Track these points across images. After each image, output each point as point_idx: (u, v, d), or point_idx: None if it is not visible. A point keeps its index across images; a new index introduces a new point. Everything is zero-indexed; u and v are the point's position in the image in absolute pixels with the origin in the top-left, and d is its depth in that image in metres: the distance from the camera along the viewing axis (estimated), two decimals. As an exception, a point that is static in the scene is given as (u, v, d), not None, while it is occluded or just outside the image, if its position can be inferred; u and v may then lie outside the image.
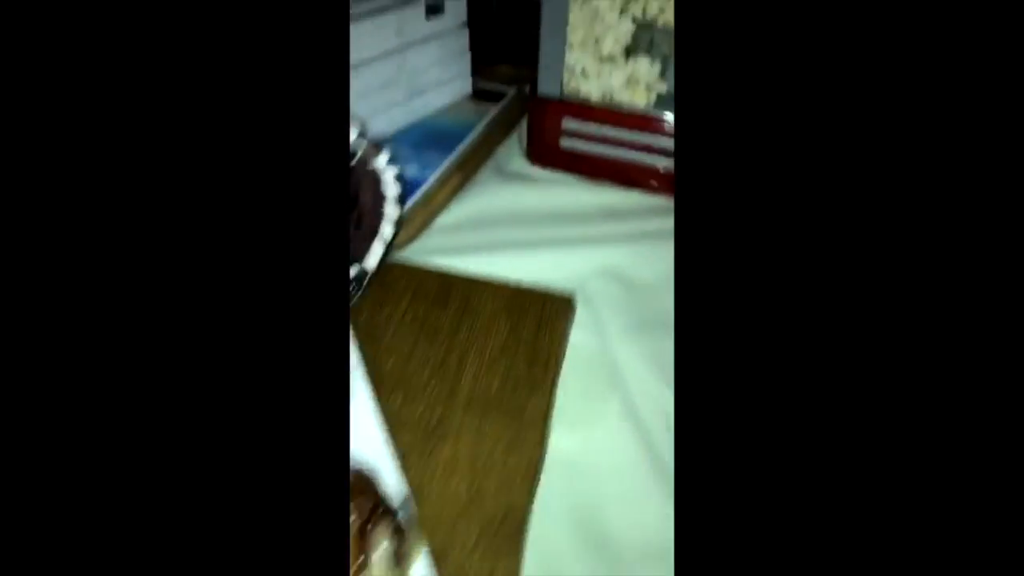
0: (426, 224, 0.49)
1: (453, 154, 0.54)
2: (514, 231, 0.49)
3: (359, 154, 0.34)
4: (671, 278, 0.45)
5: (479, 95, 0.64)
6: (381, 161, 0.35)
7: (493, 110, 0.60)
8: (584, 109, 0.51)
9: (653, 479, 0.33)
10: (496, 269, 0.44)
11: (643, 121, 0.49)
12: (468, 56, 0.61)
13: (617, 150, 0.51)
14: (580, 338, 0.40)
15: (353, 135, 0.34)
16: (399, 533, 0.25)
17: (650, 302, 0.43)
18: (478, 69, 0.63)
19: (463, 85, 0.62)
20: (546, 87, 0.51)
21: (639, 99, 0.49)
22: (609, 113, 0.50)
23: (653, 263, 0.46)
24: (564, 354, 0.38)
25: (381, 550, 0.24)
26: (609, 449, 0.35)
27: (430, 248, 0.46)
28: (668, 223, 0.49)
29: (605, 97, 0.50)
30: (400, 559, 0.24)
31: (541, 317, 0.39)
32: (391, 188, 0.36)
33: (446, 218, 0.50)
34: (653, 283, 0.44)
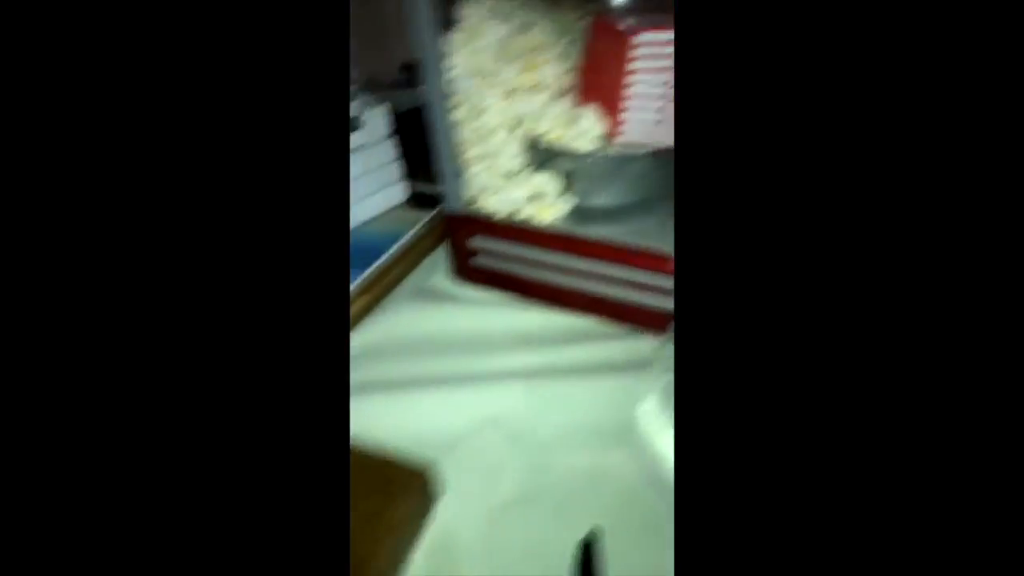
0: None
1: (360, 274, 0.51)
2: (412, 364, 0.44)
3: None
4: (574, 430, 0.39)
5: (418, 200, 0.61)
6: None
7: (419, 223, 0.57)
8: (492, 226, 0.46)
9: None
10: (381, 414, 0.39)
11: (552, 239, 0.44)
12: (396, 166, 0.59)
13: (531, 269, 0.46)
14: (443, 514, 0.34)
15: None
16: None
17: (540, 460, 0.37)
18: (419, 172, 0.60)
19: (392, 195, 0.60)
20: (450, 204, 0.47)
21: (545, 215, 0.44)
22: (516, 231, 0.45)
23: (555, 408, 0.40)
24: (412, 539, 0.32)
25: None
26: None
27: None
28: (585, 351, 0.43)
29: (512, 213, 0.46)
30: None
31: (399, 495, 0.34)
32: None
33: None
34: (549, 438, 0.38)
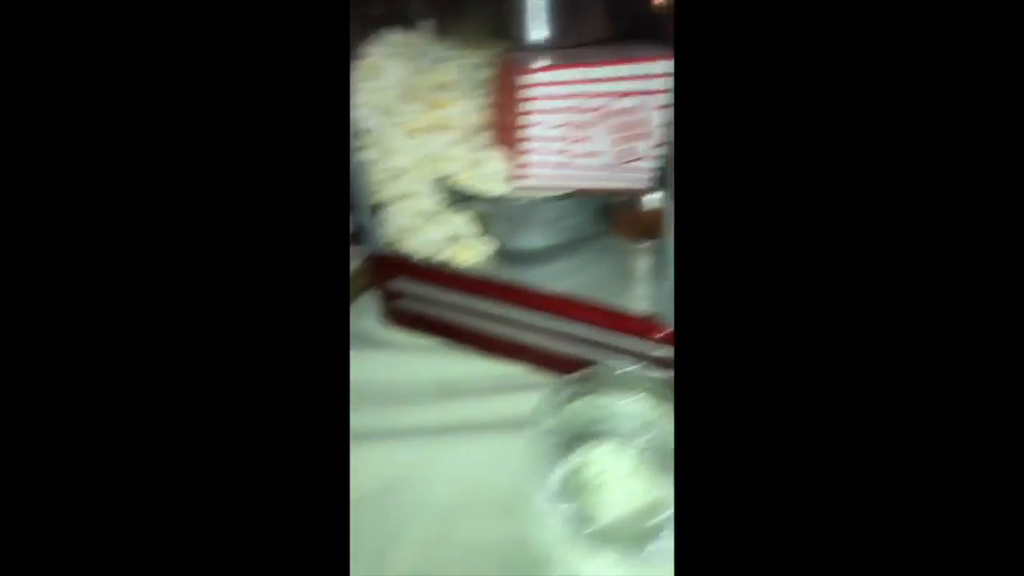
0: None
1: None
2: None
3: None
4: (475, 496, 0.36)
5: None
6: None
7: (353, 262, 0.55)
8: (413, 268, 0.44)
9: None
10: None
11: (472, 283, 0.42)
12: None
13: (454, 313, 0.44)
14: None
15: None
16: None
17: (442, 528, 0.34)
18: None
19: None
20: (370, 244, 0.45)
21: (466, 257, 0.42)
22: (438, 274, 0.43)
23: (464, 471, 0.37)
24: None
25: None
26: None
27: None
28: (506, 403, 0.41)
29: (432, 254, 0.43)
30: None
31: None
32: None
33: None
34: (450, 505, 0.35)
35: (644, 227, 0.42)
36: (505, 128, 0.35)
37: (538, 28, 0.36)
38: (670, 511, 0.28)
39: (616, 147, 0.35)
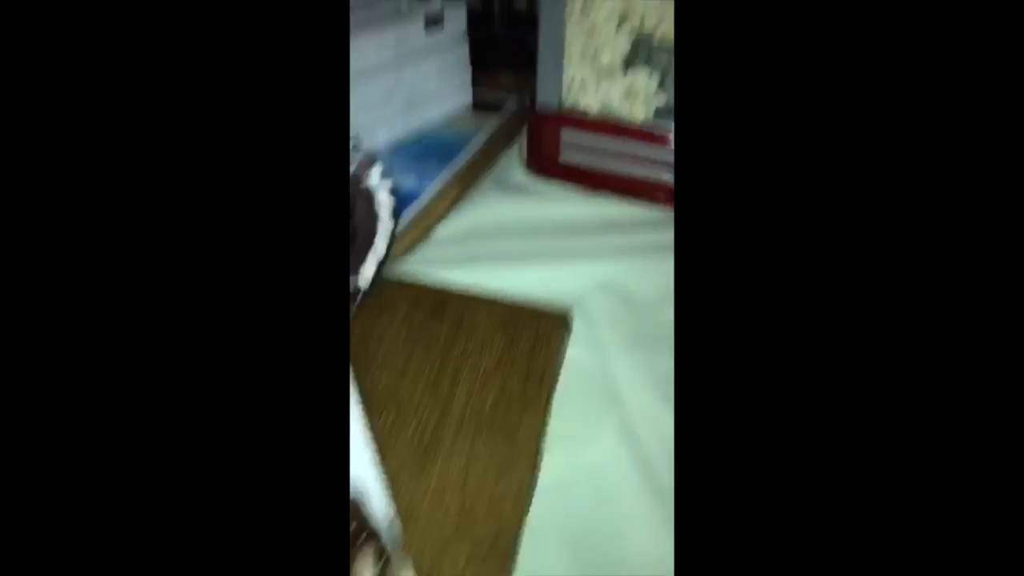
0: (423, 236, 0.48)
1: (451, 166, 0.54)
2: (513, 243, 0.48)
3: (352, 169, 0.34)
4: (671, 292, 0.44)
5: (479, 106, 0.64)
6: (374, 175, 0.35)
7: (493, 122, 0.60)
8: (583, 122, 0.50)
9: (650, 502, 0.32)
10: (494, 282, 0.43)
11: (642, 134, 0.49)
12: (468, 68, 0.61)
13: (617, 163, 0.51)
14: (576, 354, 0.40)
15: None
16: (384, 557, 0.25)
17: (649, 317, 0.42)
18: (479, 78, 0.63)
19: (463, 97, 0.62)
20: (544, 100, 0.50)
21: (638, 112, 0.49)
22: (608, 126, 0.50)
23: (652, 277, 0.45)
24: (559, 371, 0.38)
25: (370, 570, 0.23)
26: (604, 470, 0.34)
27: (427, 260, 0.46)
28: (668, 236, 0.49)
29: (604, 110, 0.50)
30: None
31: (537, 333, 0.39)
32: (385, 202, 0.36)
33: (444, 230, 0.50)
34: (652, 298, 0.44)
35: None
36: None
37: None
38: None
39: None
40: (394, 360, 0.37)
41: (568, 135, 0.51)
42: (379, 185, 0.35)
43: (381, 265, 0.37)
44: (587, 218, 0.51)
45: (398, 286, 0.42)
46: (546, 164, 0.54)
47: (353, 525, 0.24)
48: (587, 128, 0.50)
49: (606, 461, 0.34)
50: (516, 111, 0.62)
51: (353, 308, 0.36)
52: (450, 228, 0.50)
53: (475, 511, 0.30)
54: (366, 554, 0.24)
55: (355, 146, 0.35)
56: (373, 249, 0.36)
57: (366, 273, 0.36)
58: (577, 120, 0.50)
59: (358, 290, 0.36)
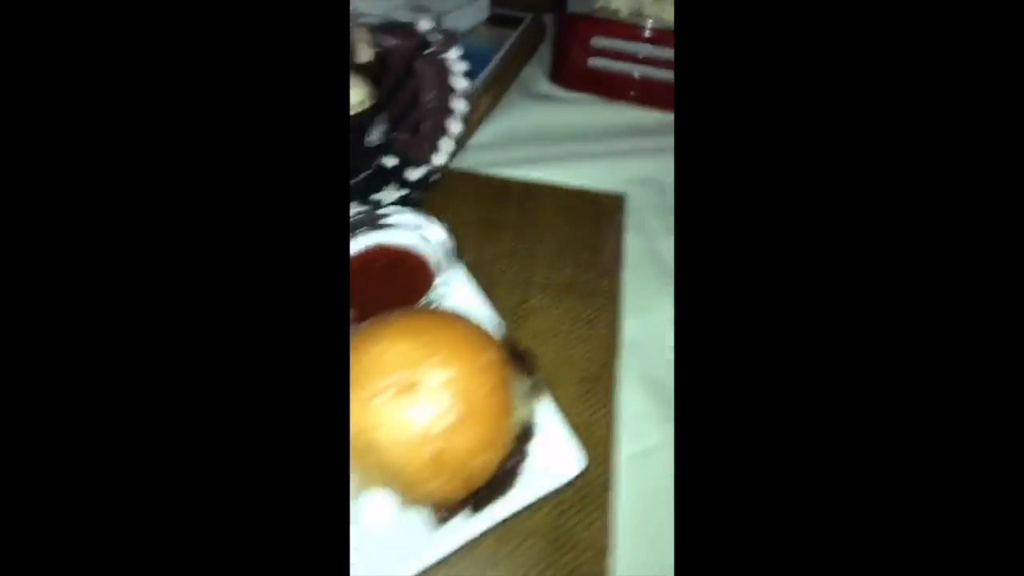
0: (461, 144, 0.49)
1: (482, 75, 0.55)
2: (549, 147, 0.50)
3: (431, 47, 0.35)
4: None
5: (495, 20, 0.64)
6: (453, 54, 0.36)
7: (513, 34, 0.60)
8: (613, 26, 0.52)
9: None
10: (540, 175, 0.45)
11: (671, 36, 0.51)
12: (485, -19, 0.61)
13: (646, 68, 0.53)
14: (628, 239, 0.43)
15: (427, 26, 0.35)
16: (529, 372, 0.27)
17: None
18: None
19: (481, 9, 0.62)
20: (576, 4, 0.52)
21: (669, 14, 0.51)
22: (638, 30, 0.51)
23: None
24: (624, 246, 0.40)
25: (520, 387, 0.26)
26: (669, 331, 0.38)
27: (469, 164, 0.47)
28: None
29: (634, 13, 0.51)
30: (533, 392, 0.26)
31: (598, 215, 0.41)
32: (460, 82, 0.36)
33: (480, 137, 0.51)
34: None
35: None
36: None
37: None
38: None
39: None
40: (468, 242, 0.39)
41: (598, 40, 0.53)
42: (456, 64, 0.36)
43: (456, 147, 0.38)
44: (617, 124, 0.53)
45: (461, 178, 0.43)
46: (571, 73, 0.56)
47: (499, 348, 0.26)
48: (617, 33, 0.52)
49: (669, 324, 0.38)
50: (532, 26, 0.62)
51: (427, 189, 0.37)
52: (485, 135, 0.51)
53: (573, 358, 0.33)
54: (515, 371, 0.26)
55: (435, 27, 0.35)
56: (447, 131, 0.37)
57: (442, 154, 0.37)
58: (607, 24, 0.52)
59: (435, 170, 0.37)
